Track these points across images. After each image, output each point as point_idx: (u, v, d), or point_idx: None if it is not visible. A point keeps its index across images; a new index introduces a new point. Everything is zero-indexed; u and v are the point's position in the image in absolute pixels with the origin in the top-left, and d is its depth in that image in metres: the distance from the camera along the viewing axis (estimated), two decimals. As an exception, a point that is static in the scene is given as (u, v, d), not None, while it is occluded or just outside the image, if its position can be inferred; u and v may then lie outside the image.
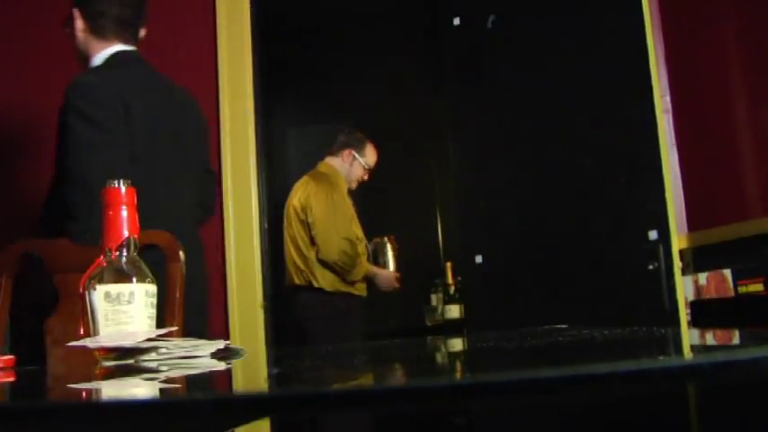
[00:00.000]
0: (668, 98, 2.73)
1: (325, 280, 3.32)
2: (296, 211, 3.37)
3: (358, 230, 3.42)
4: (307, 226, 3.35)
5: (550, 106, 2.75)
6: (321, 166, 3.55)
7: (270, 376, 0.77)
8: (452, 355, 0.91)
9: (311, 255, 3.33)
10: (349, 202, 3.44)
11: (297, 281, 3.36)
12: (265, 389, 0.57)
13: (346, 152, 3.52)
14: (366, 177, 3.57)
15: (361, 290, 3.43)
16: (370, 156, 3.54)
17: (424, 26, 4.52)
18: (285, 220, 3.44)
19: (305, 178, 3.48)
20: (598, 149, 2.65)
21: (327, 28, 4.61)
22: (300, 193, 3.40)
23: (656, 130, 2.54)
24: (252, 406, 0.42)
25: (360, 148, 3.52)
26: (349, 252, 3.28)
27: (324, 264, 3.31)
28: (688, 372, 0.41)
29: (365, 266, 3.42)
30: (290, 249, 3.40)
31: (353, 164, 3.51)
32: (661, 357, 0.55)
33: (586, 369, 0.39)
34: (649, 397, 2.29)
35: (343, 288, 3.35)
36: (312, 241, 3.33)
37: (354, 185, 3.56)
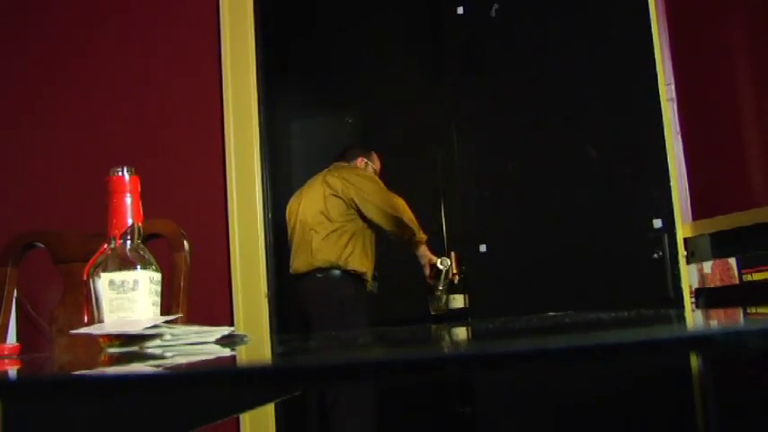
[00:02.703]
0: (673, 86, 2.72)
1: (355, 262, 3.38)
2: (331, 191, 3.40)
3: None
4: (346, 204, 3.40)
5: (554, 95, 2.74)
6: (335, 166, 3.61)
7: (275, 354, 0.77)
8: (459, 334, 0.90)
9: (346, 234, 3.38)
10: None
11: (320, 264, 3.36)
12: (269, 361, 0.56)
13: (359, 159, 3.65)
14: None
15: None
16: (376, 162, 3.73)
17: (428, 15, 4.50)
18: (307, 206, 3.44)
19: (329, 170, 3.53)
20: (602, 138, 2.65)
21: (330, 19, 4.60)
22: (330, 179, 3.44)
23: (660, 119, 2.53)
24: (256, 378, 0.42)
25: (368, 156, 3.69)
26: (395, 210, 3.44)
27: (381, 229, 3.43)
28: (702, 341, 0.40)
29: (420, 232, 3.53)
30: (313, 232, 3.39)
31: (366, 169, 3.65)
32: (670, 327, 0.55)
33: (596, 338, 0.38)
34: (647, 382, 2.29)
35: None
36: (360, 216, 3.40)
37: None
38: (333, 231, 3.36)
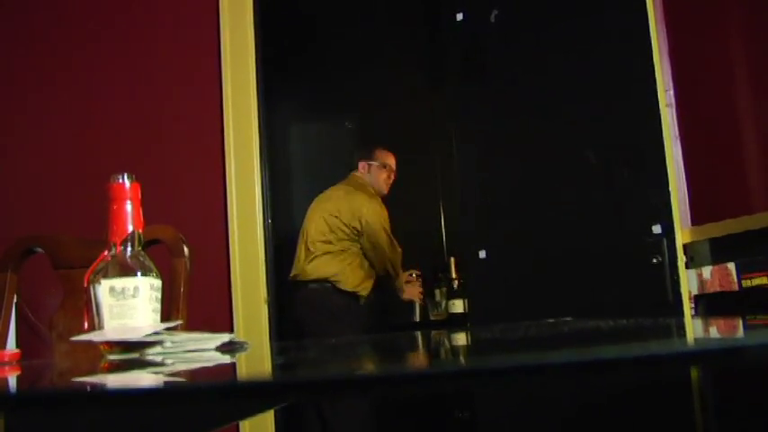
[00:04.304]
0: (671, 92, 2.72)
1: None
2: (336, 212, 3.46)
3: None
4: (356, 233, 3.46)
5: (554, 100, 2.74)
6: (355, 178, 3.64)
7: (275, 365, 0.77)
8: (458, 344, 0.91)
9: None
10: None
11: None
12: (270, 375, 0.57)
13: (361, 165, 3.69)
14: (392, 176, 3.73)
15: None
16: (382, 157, 3.71)
17: (427, 21, 4.51)
18: (316, 217, 3.49)
19: (342, 184, 3.59)
20: (602, 143, 2.65)
21: (329, 24, 4.61)
22: (339, 199, 3.50)
23: (659, 124, 2.53)
24: (257, 392, 0.42)
25: (368, 154, 3.70)
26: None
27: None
28: (698, 356, 0.40)
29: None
30: (313, 246, 3.43)
31: (371, 170, 3.67)
32: (669, 341, 0.55)
33: (592, 354, 0.39)
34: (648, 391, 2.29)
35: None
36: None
37: (385, 190, 3.70)
38: (329, 251, 3.40)
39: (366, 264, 3.47)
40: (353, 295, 3.42)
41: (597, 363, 0.37)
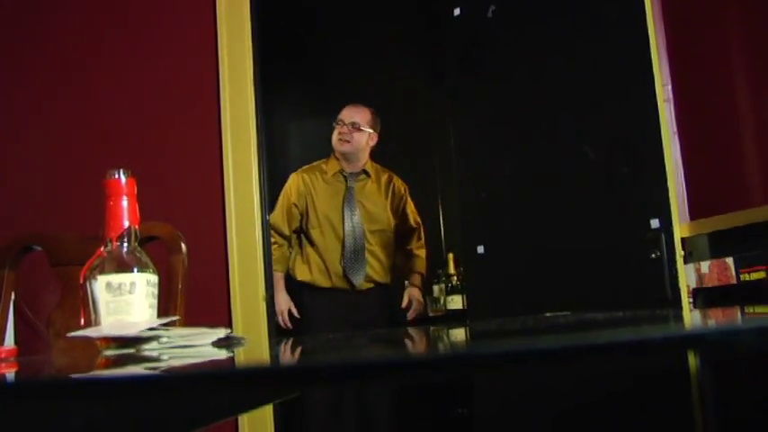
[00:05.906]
0: (669, 87, 2.72)
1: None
2: None
3: (281, 222, 3.53)
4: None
5: (552, 96, 2.74)
6: None
7: (273, 355, 0.77)
8: (455, 336, 0.90)
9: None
10: (292, 189, 3.57)
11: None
12: (267, 362, 0.56)
13: None
14: (343, 127, 3.56)
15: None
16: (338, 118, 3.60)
17: (425, 17, 4.51)
18: None
19: None
20: (600, 139, 2.65)
21: (327, 22, 4.60)
22: None
23: (657, 120, 2.53)
24: (254, 379, 0.42)
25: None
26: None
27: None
28: (694, 340, 0.40)
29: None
30: None
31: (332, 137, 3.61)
32: (666, 326, 0.55)
33: (588, 338, 0.38)
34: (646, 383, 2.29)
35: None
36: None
37: (342, 146, 3.56)
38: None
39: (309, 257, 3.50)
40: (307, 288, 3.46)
41: (595, 347, 0.37)
